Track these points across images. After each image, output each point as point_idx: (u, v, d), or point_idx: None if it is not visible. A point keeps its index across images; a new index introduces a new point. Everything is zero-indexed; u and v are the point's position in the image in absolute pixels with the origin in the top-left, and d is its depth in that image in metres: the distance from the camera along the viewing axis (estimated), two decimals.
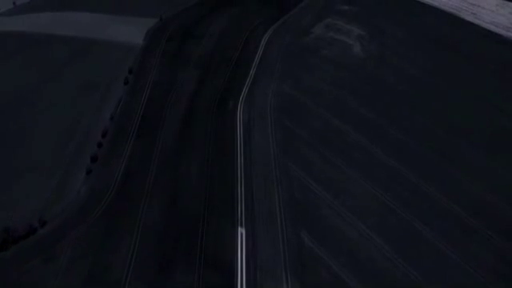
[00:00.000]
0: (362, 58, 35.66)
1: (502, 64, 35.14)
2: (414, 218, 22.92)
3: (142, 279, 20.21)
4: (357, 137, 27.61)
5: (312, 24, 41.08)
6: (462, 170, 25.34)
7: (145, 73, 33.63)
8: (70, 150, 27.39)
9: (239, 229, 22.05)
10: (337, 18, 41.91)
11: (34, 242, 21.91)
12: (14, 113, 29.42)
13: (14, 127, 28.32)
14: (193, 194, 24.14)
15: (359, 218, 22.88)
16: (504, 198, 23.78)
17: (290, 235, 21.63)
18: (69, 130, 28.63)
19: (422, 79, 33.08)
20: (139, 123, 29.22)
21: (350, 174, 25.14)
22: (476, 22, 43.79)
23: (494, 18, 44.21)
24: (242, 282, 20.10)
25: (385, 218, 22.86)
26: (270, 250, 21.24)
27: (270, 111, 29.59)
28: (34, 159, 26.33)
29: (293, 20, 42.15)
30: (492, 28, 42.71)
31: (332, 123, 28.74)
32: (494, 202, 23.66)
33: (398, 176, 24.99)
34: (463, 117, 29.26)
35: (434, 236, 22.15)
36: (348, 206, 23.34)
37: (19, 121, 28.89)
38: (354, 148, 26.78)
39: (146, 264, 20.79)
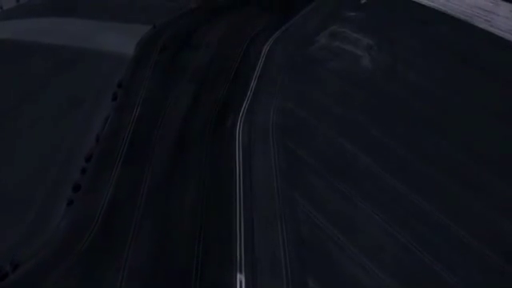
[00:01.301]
0: (372, 70, 32.89)
1: None
2: (435, 261, 20.12)
3: None
4: (369, 163, 24.85)
5: (316, 32, 38.30)
6: (492, 205, 22.53)
7: (135, 87, 30.82)
8: (51, 176, 24.62)
9: (238, 275, 19.26)
10: (343, 26, 39.12)
11: None
12: None
13: None
14: (185, 232, 21.37)
15: (373, 259, 20.10)
16: None
17: (297, 285, 18.80)
18: (50, 154, 25.83)
19: (437, 95, 30.37)
20: (127, 146, 26.46)
21: (362, 208, 22.38)
22: (490, 29, 41.06)
23: (510, 26, 41.41)
24: None
25: (402, 260, 20.06)
26: None
27: (273, 132, 26.82)
28: (9, 188, 23.53)
29: (296, 27, 39.38)
30: (507, 36, 39.96)
31: (341, 146, 25.99)
32: None
33: (416, 210, 22.22)
34: (485, 140, 26.43)
35: (457, 283, 19.36)
36: (360, 247, 20.61)
37: None
38: (367, 176, 24.02)
39: None
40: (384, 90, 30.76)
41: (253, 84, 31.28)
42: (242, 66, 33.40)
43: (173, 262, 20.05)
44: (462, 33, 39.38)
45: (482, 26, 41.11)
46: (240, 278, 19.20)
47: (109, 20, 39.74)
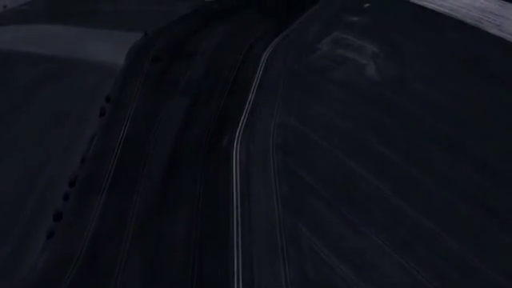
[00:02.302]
0: (378, 81, 30.68)
1: None
2: None
3: None
4: (380, 187, 22.66)
5: (318, 39, 36.08)
6: None
7: (124, 101, 28.64)
8: (30, 204, 22.44)
9: None
10: (346, 32, 36.89)
11: None
12: None
13: None
14: (177, 269, 19.16)
15: None
16: None
17: None
18: (30, 178, 23.60)
19: (448, 108, 28.14)
20: (115, 168, 24.24)
21: (374, 240, 20.15)
22: (501, 35, 38.80)
23: None
24: None
25: None
26: None
27: (273, 152, 24.62)
28: None
29: (296, 34, 37.20)
30: None
31: (348, 168, 23.80)
32: None
33: (435, 244, 19.97)
34: (504, 159, 24.18)
35: None
36: (374, 287, 18.29)
37: None
38: (378, 203, 21.82)
39: None
40: (391, 103, 28.56)
41: (251, 97, 29.08)
42: (240, 76, 31.21)
43: None
44: (472, 38, 37.17)
45: (492, 30, 38.88)
46: None
47: (100, 27, 37.61)
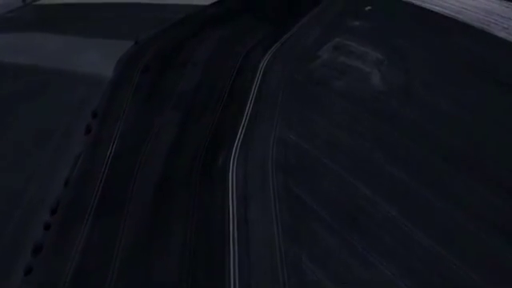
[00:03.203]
0: (383, 91, 28.75)
1: None
2: None
3: None
4: (388, 210, 20.77)
5: (318, 45, 34.16)
6: None
7: (112, 117, 26.69)
8: (7, 235, 20.37)
9: None
10: (347, 38, 34.96)
11: None
12: None
13: None
14: None
15: None
16: None
17: None
18: (7, 205, 21.68)
19: (460, 120, 26.19)
20: (101, 192, 22.29)
21: (382, 271, 18.23)
22: (510, 38, 36.91)
23: None
24: None
25: None
26: None
27: (273, 172, 22.67)
28: None
29: (295, 40, 35.26)
30: None
31: (354, 189, 21.86)
32: None
33: (451, 275, 18.07)
34: None
35: None
36: None
37: None
38: (386, 229, 19.98)
39: None
40: (398, 116, 26.65)
41: (248, 110, 27.13)
42: (236, 87, 29.28)
43: None
44: (481, 43, 35.29)
45: (501, 34, 37.03)
46: None
47: (88, 35, 35.66)
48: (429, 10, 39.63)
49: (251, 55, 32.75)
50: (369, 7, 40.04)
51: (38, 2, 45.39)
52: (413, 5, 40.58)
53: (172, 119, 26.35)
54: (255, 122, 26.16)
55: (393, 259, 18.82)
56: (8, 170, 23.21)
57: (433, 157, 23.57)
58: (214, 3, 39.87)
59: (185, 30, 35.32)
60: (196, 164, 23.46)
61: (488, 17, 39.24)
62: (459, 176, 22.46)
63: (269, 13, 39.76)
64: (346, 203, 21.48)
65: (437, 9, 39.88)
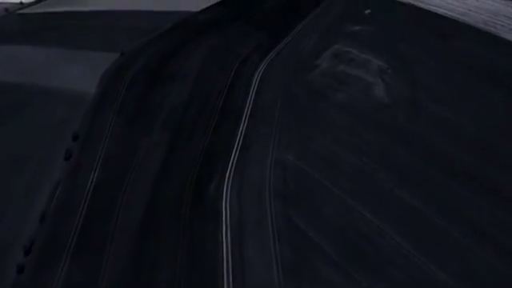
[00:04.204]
0: (388, 103, 26.65)
1: None
2: None
3: None
4: (399, 242, 18.62)
5: (317, 53, 32.07)
6: None
7: (95, 140, 24.56)
8: None
9: None
10: (348, 44, 32.85)
11: None
12: None
13: None
14: None
15: None
16: None
17: None
18: None
19: (471, 134, 24.07)
20: (81, 228, 20.07)
21: None
22: None
23: None
24: None
25: None
26: None
27: (271, 201, 20.54)
28: None
29: (292, 48, 33.17)
30: None
31: (359, 217, 19.78)
32: None
33: None
34: None
35: None
36: None
37: None
38: (398, 264, 17.84)
39: None
40: (405, 131, 24.55)
41: (242, 127, 24.99)
42: (228, 102, 27.15)
43: None
44: (488, 47, 33.20)
45: (509, 36, 34.86)
46: None
47: (71, 47, 33.48)
48: (432, 13, 37.53)
49: (245, 66, 30.63)
50: (368, 10, 37.94)
51: (21, 11, 43.19)
52: (414, 7, 38.48)
53: (160, 141, 24.20)
54: (250, 141, 24.03)
55: None
56: None
57: (446, 178, 21.43)
58: (204, 9, 37.74)
59: (173, 40, 33.16)
60: (186, 193, 21.34)
61: (494, 18, 37.19)
62: (477, 201, 20.29)
63: (263, 18, 37.69)
64: (351, 233, 19.40)
65: (440, 11, 37.79)
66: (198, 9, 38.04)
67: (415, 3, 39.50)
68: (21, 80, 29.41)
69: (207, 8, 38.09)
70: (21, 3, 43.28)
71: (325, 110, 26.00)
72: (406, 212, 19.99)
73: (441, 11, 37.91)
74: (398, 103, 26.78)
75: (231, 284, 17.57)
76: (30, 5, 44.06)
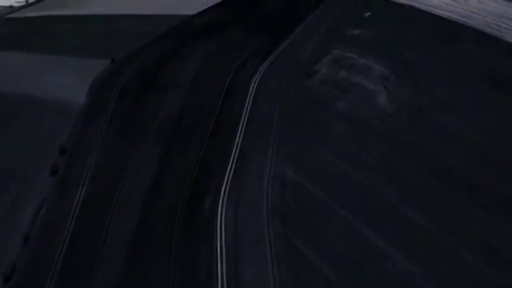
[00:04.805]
0: (391, 112, 25.38)
1: None
2: None
3: None
4: (407, 266, 17.30)
5: (316, 58, 30.87)
6: None
7: (83, 153, 23.27)
8: None
9: None
10: (348, 49, 31.62)
11: None
12: None
13: None
14: None
15: None
16: None
17: None
18: None
19: (482, 146, 22.81)
20: (67, 249, 18.76)
21: None
22: None
23: None
24: None
25: None
26: None
27: (269, 220, 19.27)
28: None
29: (290, 53, 31.92)
30: None
31: (364, 238, 18.53)
32: None
33: None
34: None
35: None
36: None
37: None
38: None
39: None
40: (410, 142, 23.30)
41: (238, 140, 23.70)
42: (224, 112, 25.87)
43: None
44: (493, 51, 32.04)
45: None
46: None
47: (60, 53, 32.11)
48: (434, 15, 36.39)
49: (241, 73, 29.35)
50: (368, 13, 36.74)
51: (11, 15, 41.84)
52: (416, 9, 37.32)
53: (152, 154, 22.88)
54: (247, 154, 22.72)
55: None
56: None
57: (456, 194, 20.16)
58: (199, 13, 36.48)
59: (167, 46, 31.85)
60: (178, 210, 20.01)
61: (498, 20, 36.03)
62: (485, 215, 19.06)
63: (260, 21, 36.40)
64: (355, 256, 18.10)
65: (442, 13, 36.58)
66: (194, 12, 36.61)
67: (416, 5, 38.26)
68: (5, 88, 28.04)
69: (203, 11, 36.80)
70: (10, 6, 41.98)
71: (325, 120, 24.75)
72: (413, 232, 18.76)
73: (442, 13, 36.67)
74: (402, 112, 25.58)
75: None
76: (20, 8, 42.71)
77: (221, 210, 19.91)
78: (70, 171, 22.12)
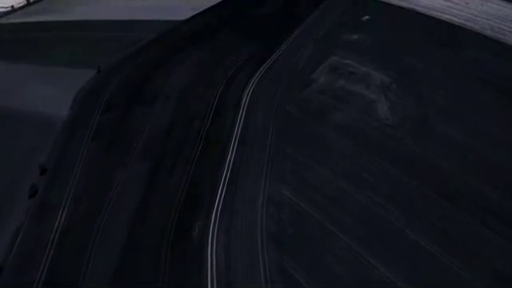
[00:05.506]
0: (394, 124, 23.94)
1: None
2: None
3: None
4: None
5: (313, 66, 29.40)
6: None
7: (65, 172, 21.65)
8: None
9: None
10: (346, 55, 30.13)
11: None
12: None
13: None
14: None
15: None
16: None
17: None
18: None
19: (491, 161, 21.28)
20: (44, 282, 17.07)
21: None
22: None
23: None
24: None
25: None
26: None
27: (263, 247, 17.81)
28: None
29: (285, 60, 30.45)
30: None
31: (368, 267, 16.99)
32: None
33: None
34: None
35: None
36: None
37: None
38: None
39: None
40: (415, 158, 21.89)
41: (230, 157, 22.14)
42: (215, 127, 24.27)
43: None
44: (496, 55, 30.67)
45: None
46: None
47: (43, 62, 30.54)
48: (435, 19, 34.95)
49: (234, 81, 27.78)
50: (367, 17, 35.25)
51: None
52: (416, 13, 35.87)
53: (137, 174, 21.29)
54: (239, 173, 21.16)
55: None
56: None
57: (466, 216, 18.67)
58: (190, 18, 34.82)
59: (156, 54, 30.22)
60: (166, 237, 18.42)
61: (501, 24, 34.62)
62: (503, 244, 17.51)
63: (254, 26, 34.81)
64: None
65: (444, 17, 35.15)
66: (183, 17, 34.99)
67: (417, 8, 36.81)
68: None
69: (193, 17, 35.13)
70: (12, 7, 40.38)
71: (323, 135, 23.24)
72: (421, 259, 17.21)
73: (444, 17, 35.22)
74: (405, 123, 24.09)
75: None
76: (5, 14, 40.99)
77: (211, 237, 18.39)
78: (51, 193, 20.50)
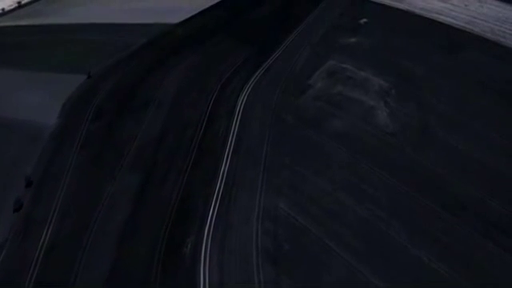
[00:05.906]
0: (393, 131, 23.07)
1: None
2: None
3: None
4: None
5: (309, 70, 28.53)
6: None
7: (52, 185, 20.77)
8: None
9: None
10: (343, 59, 29.29)
11: None
12: None
13: None
14: None
15: None
16: None
17: None
18: None
19: (496, 170, 20.49)
20: None
21: None
22: None
23: None
24: None
25: None
26: None
27: (259, 265, 16.95)
28: None
29: (281, 64, 29.54)
30: None
31: (370, 287, 15.91)
32: None
33: None
34: None
35: None
36: None
37: None
38: None
39: None
40: (415, 167, 21.09)
41: (224, 168, 21.26)
42: (208, 135, 23.38)
43: None
44: (497, 58, 29.79)
45: None
46: None
47: (30, 67, 29.49)
48: (435, 22, 34.11)
49: (228, 87, 26.90)
50: (364, 19, 34.39)
51: None
52: (415, 15, 35.05)
53: (127, 186, 20.43)
54: (233, 185, 20.28)
55: None
56: None
57: (469, 229, 17.86)
58: (183, 21, 33.90)
59: (148, 59, 29.31)
60: (156, 253, 17.57)
61: (502, 26, 33.82)
62: (508, 259, 16.71)
63: (249, 30, 33.91)
64: None
65: (444, 19, 34.31)
66: (177, 20, 34.09)
67: (415, 11, 36.01)
68: None
69: (187, 20, 34.20)
70: (2, 9, 39.37)
71: (321, 144, 22.41)
72: (425, 277, 16.35)
73: (444, 20, 34.42)
74: (405, 131, 23.30)
75: None
76: None
77: (204, 253, 17.51)
78: (37, 207, 19.60)
